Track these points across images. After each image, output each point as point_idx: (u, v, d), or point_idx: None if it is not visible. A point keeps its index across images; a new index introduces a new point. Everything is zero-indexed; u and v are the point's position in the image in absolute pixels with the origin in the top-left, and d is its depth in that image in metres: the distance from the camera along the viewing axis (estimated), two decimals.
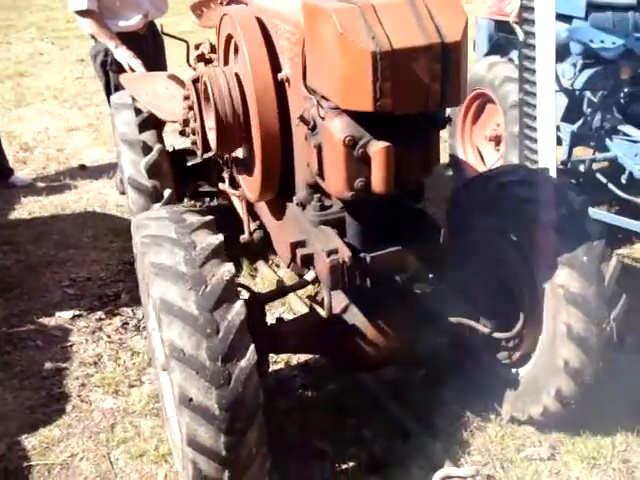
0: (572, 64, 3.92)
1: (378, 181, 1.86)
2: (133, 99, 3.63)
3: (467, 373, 2.65)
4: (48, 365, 3.09)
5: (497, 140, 4.40)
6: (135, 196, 3.43)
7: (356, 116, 1.85)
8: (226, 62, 2.68)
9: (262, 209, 2.95)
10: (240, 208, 3.36)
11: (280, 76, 2.20)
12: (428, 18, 1.78)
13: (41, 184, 5.09)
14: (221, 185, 3.66)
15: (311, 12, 1.87)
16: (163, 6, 4.35)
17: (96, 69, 4.32)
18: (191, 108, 2.98)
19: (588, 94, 3.91)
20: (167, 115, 3.42)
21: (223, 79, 2.39)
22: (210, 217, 2.15)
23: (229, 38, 2.53)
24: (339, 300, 2.32)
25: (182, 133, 3.08)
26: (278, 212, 2.58)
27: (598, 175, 3.90)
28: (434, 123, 1.96)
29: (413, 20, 1.77)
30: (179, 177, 3.64)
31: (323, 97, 1.93)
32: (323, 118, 1.92)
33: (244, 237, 3.08)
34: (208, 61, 4.09)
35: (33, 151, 5.82)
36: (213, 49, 4.09)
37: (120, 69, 4.10)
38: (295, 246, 2.23)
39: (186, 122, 3.02)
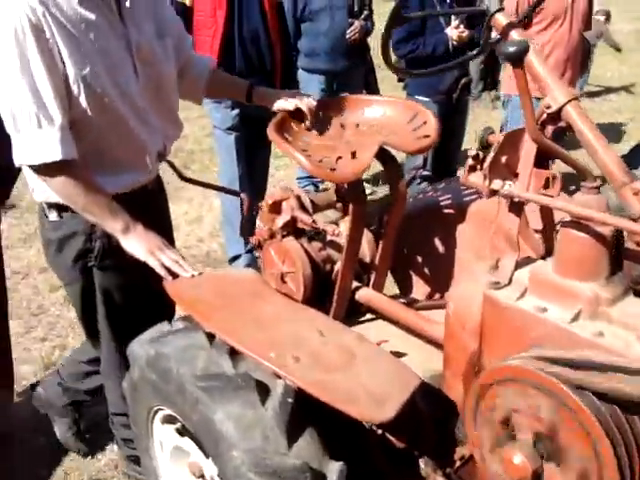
0: None
1: None
2: (232, 354, 1.63)
3: None
4: None
5: None
6: None
7: None
8: None
9: None
10: None
11: None
12: None
13: None
14: None
15: None
16: (176, 130, 2.15)
17: (59, 266, 2.05)
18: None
19: None
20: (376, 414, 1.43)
21: None
22: None
23: None
24: None
25: None
26: None
27: None
28: None
29: None
30: None
31: None
32: None
33: None
34: (300, 233, 2.09)
35: None
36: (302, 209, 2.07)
37: (117, 266, 1.98)
38: None
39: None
